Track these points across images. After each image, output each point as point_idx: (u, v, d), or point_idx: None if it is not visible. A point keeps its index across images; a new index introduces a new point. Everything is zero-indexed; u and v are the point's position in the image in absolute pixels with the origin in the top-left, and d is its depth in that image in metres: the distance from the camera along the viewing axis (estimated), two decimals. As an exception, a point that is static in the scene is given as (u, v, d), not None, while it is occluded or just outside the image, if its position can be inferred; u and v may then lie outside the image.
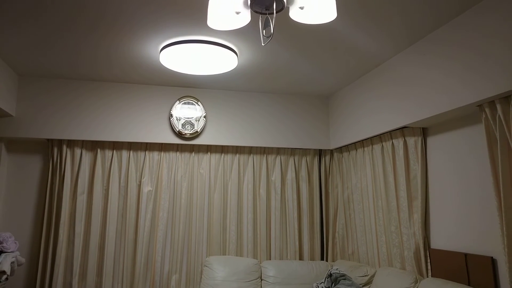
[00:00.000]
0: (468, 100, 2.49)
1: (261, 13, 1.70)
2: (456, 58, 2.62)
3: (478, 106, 2.55)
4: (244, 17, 1.78)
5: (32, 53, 3.28)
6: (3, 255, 3.27)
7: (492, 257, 2.53)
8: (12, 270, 3.33)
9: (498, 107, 2.35)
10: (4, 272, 3.19)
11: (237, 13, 1.72)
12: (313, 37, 2.93)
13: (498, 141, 2.36)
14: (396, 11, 2.54)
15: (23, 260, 3.49)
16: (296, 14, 1.78)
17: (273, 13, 1.67)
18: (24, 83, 3.85)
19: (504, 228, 2.28)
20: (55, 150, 3.91)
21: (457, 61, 2.61)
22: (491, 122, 2.44)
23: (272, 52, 3.21)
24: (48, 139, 3.91)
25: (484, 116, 2.49)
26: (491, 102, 2.43)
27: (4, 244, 3.34)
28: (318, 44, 3.06)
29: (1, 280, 3.23)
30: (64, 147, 3.91)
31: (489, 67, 2.36)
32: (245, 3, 1.70)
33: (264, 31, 1.73)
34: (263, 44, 1.82)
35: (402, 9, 2.52)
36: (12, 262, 3.32)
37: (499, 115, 2.36)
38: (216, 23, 1.84)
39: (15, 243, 3.46)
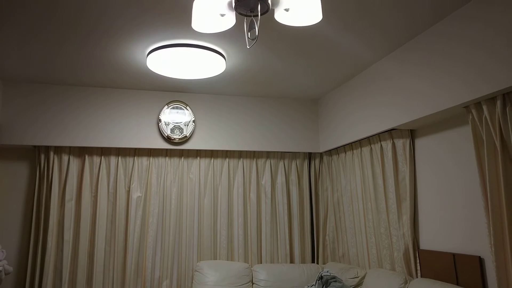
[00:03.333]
0: (455, 101, 2.52)
1: (245, 15, 1.70)
2: (443, 59, 2.64)
3: (464, 107, 2.57)
4: (229, 20, 1.77)
5: (16, 59, 3.24)
6: (-11, 264, 3.22)
7: (479, 256, 2.55)
8: (0, 279, 3.27)
9: (484, 108, 2.38)
10: (-10, 282, 3.13)
11: (222, 15, 1.72)
12: (299, 41, 2.94)
13: (485, 142, 2.39)
14: (376, 16, 2.56)
15: (10, 269, 3.42)
16: (281, 16, 1.78)
17: (257, 15, 1.67)
18: (9, 89, 3.79)
19: (491, 227, 2.30)
20: (42, 157, 3.86)
21: (443, 62, 2.64)
22: (478, 123, 2.46)
23: (260, 55, 3.21)
24: (34, 146, 3.86)
25: (470, 117, 2.52)
26: (477, 104, 2.46)
27: (-9, 253, 3.29)
28: (305, 47, 3.07)
29: (-13, 290, 3.17)
30: (51, 154, 3.86)
31: (474, 69, 2.39)
32: (230, 5, 1.70)
33: (249, 33, 1.73)
34: (248, 47, 1.82)
35: (381, 15, 2.54)
36: (-1, 271, 3.26)
37: (485, 116, 2.39)
38: (200, 25, 1.84)
39: (2, 251, 3.39)
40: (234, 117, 4.30)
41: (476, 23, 2.38)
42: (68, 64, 3.38)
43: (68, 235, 3.80)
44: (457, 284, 2.67)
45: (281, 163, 4.47)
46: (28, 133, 3.76)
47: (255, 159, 4.41)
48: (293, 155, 4.53)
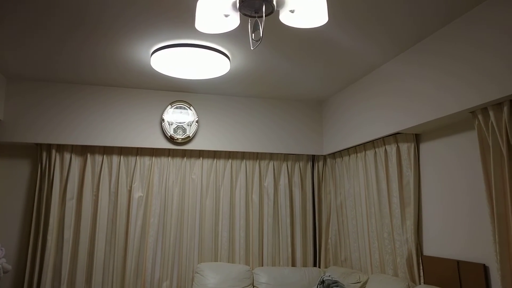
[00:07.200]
0: (461, 106, 2.48)
1: (250, 16, 1.67)
2: (449, 64, 2.61)
3: (471, 112, 2.53)
4: (233, 20, 1.75)
5: (20, 56, 3.23)
6: (-12, 262, 3.21)
7: (484, 264, 2.51)
8: (-2, 278, 3.27)
9: (491, 113, 2.34)
10: (-11, 280, 3.12)
11: (226, 16, 1.69)
12: (304, 42, 2.91)
13: (491, 148, 2.35)
14: (384, 19, 2.53)
15: (9, 267, 3.41)
16: (286, 17, 1.75)
17: (262, 16, 1.64)
18: (13, 86, 3.78)
19: (497, 235, 2.26)
20: (44, 154, 3.84)
21: (450, 67, 2.60)
22: (484, 128, 2.42)
23: (264, 56, 3.18)
24: (36, 144, 3.85)
25: (477, 122, 2.48)
26: (483, 109, 2.42)
27: (-10, 251, 3.28)
28: (310, 49, 3.04)
29: (-14, 288, 3.17)
30: (53, 152, 3.85)
31: (481, 73, 2.35)
32: (234, 5, 1.67)
33: (253, 34, 1.70)
34: (252, 48, 1.79)
35: (389, 17, 2.51)
36: (-2, 269, 3.25)
37: (491, 122, 2.35)
38: (204, 26, 1.81)
39: (1, 249, 3.39)
40: (238, 118, 4.27)
41: (484, 27, 2.34)
42: (71, 62, 3.37)
43: (68, 234, 3.78)
44: (461, 292, 2.63)
45: (284, 165, 4.44)
46: (31, 130, 3.75)
47: (258, 161, 4.38)
48: (297, 157, 4.49)
